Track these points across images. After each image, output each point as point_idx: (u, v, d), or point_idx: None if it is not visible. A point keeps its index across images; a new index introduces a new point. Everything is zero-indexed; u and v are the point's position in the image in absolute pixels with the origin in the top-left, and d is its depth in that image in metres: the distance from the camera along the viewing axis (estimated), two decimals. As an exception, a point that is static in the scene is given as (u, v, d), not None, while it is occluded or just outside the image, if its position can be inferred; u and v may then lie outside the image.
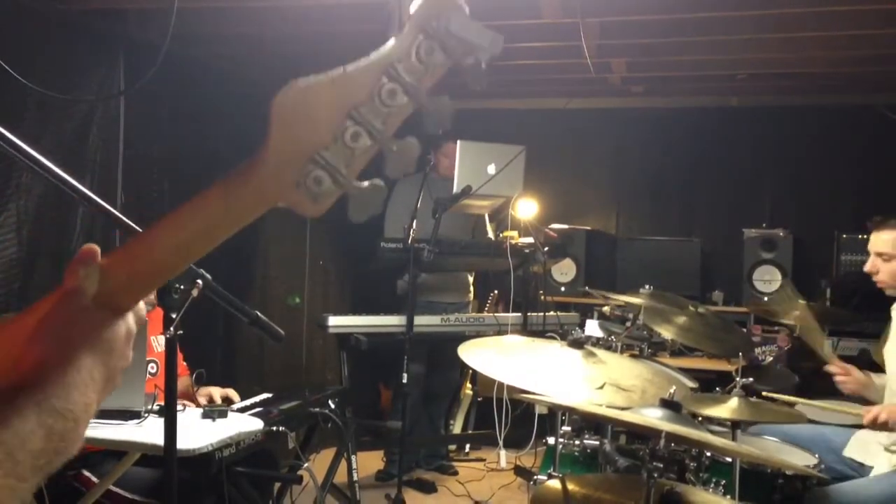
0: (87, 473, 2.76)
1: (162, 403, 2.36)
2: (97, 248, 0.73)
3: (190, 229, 0.70)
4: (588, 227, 5.93)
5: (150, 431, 2.52)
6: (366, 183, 0.69)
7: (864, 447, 3.10)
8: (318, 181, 0.67)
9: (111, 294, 0.72)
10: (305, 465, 3.21)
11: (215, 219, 0.69)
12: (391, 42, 0.67)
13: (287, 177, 0.67)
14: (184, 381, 3.09)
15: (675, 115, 5.95)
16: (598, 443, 3.09)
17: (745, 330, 4.75)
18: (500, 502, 4.55)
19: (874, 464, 3.02)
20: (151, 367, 3.04)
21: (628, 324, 3.97)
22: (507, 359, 2.38)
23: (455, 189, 4.23)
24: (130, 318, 0.76)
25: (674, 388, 2.13)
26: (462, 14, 0.67)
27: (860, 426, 3.24)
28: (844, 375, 3.14)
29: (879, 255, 3.13)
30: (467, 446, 5.43)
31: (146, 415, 2.63)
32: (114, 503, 2.76)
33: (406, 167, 0.69)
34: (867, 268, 3.18)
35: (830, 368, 3.18)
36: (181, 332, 1.98)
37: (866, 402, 3.10)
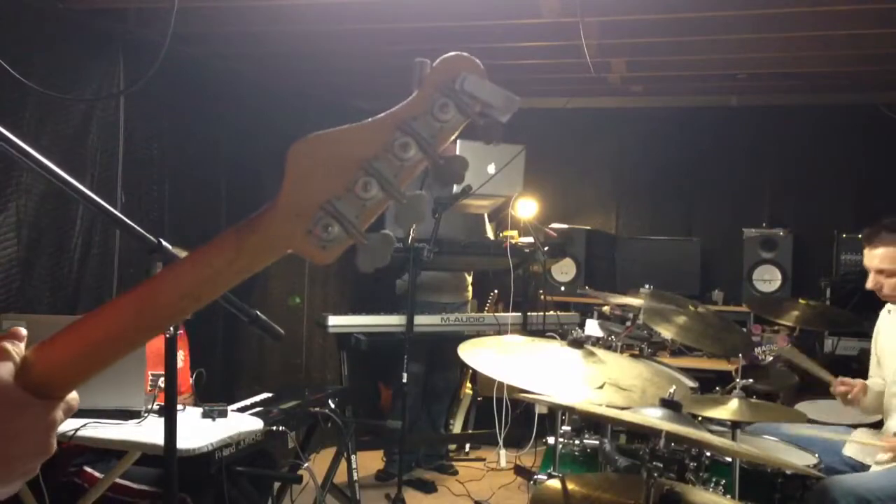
0: (89, 470, 2.76)
1: (162, 403, 2.36)
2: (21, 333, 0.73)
3: (201, 276, 0.70)
4: (588, 227, 5.92)
5: (150, 431, 2.52)
6: (374, 234, 0.70)
7: (863, 446, 3.11)
8: (328, 230, 0.69)
9: (49, 381, 0.70)
10: (305, 464, 3.21)
11: (226, 264, 0.70)
12: (409, 98, 0.69)
13: (299, 224, 0.69)
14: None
15: (675, 115, 5.94)
16: (598, 442, 3.09)
17: (744, 329, 4.75)
18: (500, 502, 4.55)
19: (873, 461, 3.03)
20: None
21: (628, 323, 3.97)
22: (507, 358, 2.38)
23: (455, 188, 4.23)
24: (60, 410, 0.72)
25: (674, 387, 2.13)
26: (478, 75, 0.69)
27: (857, 426, 3.26)
28: (848, 388, 3.14)
29: (880, 272, 3.09)
30: (467, 446, 5.43)
31: (146, 414, 2.63)
32: (122, 495, 2.76)
33: (415, 219, 0.71)
34: (870, 285, 3.13)
35: (839, 389, 3.17)
36: (181, 331, 1.98)
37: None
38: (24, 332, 0.73)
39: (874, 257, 3.09)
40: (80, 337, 0.71)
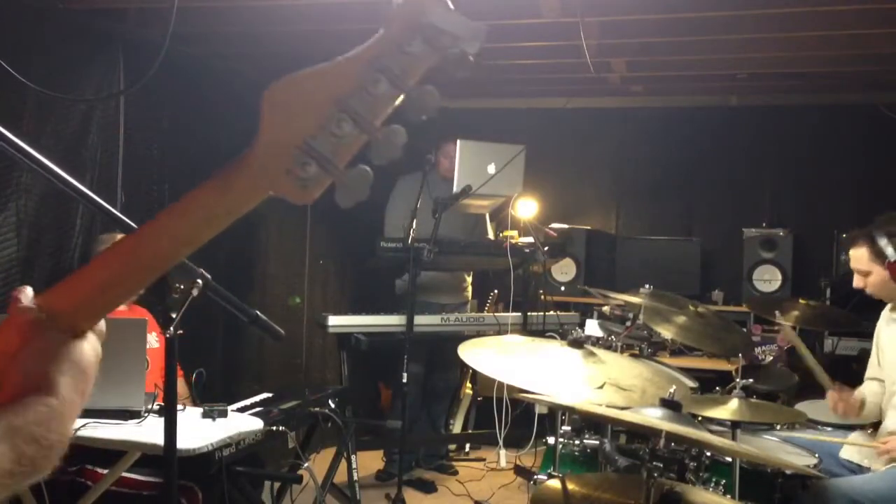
0: (90, 467, 2.76)
1: (162, 403, 2.36)
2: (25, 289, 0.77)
3: (191, 219, 0.73)
4: (588, 227, 5.92)
5: (150, 431, 2.52)
6: (352, 169, 0.71)
7: (860, 448, 3.11)
8: (305, 168, 0.70)
9: (74, 315, 0.75)
10: (305, 464, 3.21)
11: (213, 208, 0.72)
12: (377, 35, 0.70)
13: (277, 165, 0.70)
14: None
15: (675, 114, 5.94)
16: (598, 442, 3.09)
17: (745, 330, 4.75)
18: (500, 502, 4.55)
19: (872, 464, 3.03)
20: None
21: (628, 323, 3.97)
22: (507, 359, 2.38)
23: (455, 188, 4.23)
24: (94, 339, 0.78)
25: (674, 387, 2.13)
26: (444, 7, 0.70)
27: (853, 427, 3.26)
28: (842, 403, 3.17)
29: (858, 272, 3.17)
30: (467, 446, 5.43)
31: (146, 415, 2.63)
32: (129, 488, 2.75)
33: (391, 154, 0.71)
34: (855, 284, 3.22)
35: (832, 395, 3.21)
36: (181, 332, 1.98)
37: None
38: (29, 290, 0.77)
39: (854, 259, 3.21)
40: (85, 281, 0.75)
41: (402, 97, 0.70)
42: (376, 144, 0.70)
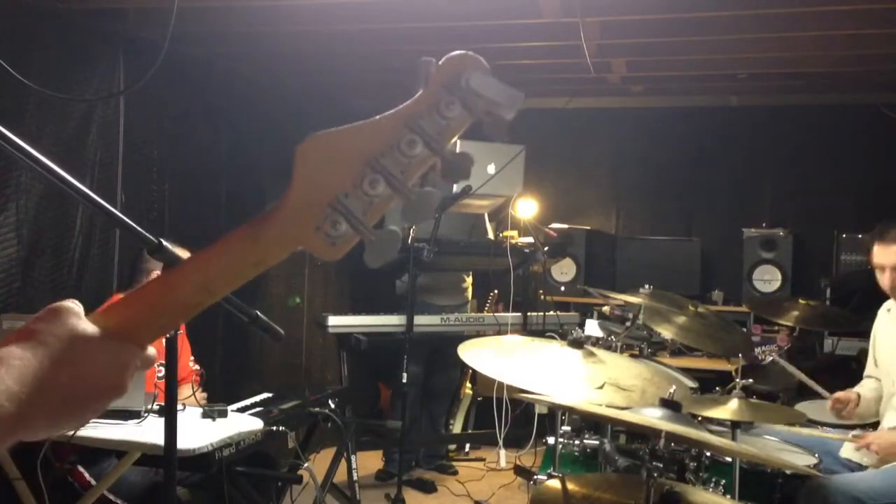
0: (82, 470, 2.75)
1: (162, 403, 2.36)
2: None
3: (214, 270, 0.72)
4: (588, 227, 5.93)
5: (150, 431, 2.52)
6: (382, 230, 0.71)
7: (860, 447, 3.11)
8: (336, 226, 0.70)
9: (129, 330, 0.74)
10: (305, 464, 3.21)
11: (239, 260, 0.72)
12: (415, 96, 0.71)
13: (307, 221, 0.70)
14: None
15: (675, 115, 5.94)
16: (598, 442, 3.09)
17: (745, 329, 4.75)
18: (500, 502, 4.55)
19: (871, 463, 3.03)
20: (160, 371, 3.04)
21: (628, 323, 3.97)
22: (507, 359, 2.38)
23: (455, 188, 4.23)
24: (136, 357, 0.75)
25: (674, 387, 2.13)
26: (483, 72, 0.70)
27: (854, 426, 3.26)
28: (843, 406, 3.17)
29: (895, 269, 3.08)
30: (467, 446, 5.42)
31: (146, 414, 2.63)
32: None
33: (424, 216, 0.71)
34: (886, 284, 3.10)
35: (835, 407, 3.22)
36: (180, 331, 1.98)
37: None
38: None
39: (882, 254, 3.09)
40: (109, 324, 0.73)
41: (436, 159, 0.71)
42: (409, 205, 0.70)
